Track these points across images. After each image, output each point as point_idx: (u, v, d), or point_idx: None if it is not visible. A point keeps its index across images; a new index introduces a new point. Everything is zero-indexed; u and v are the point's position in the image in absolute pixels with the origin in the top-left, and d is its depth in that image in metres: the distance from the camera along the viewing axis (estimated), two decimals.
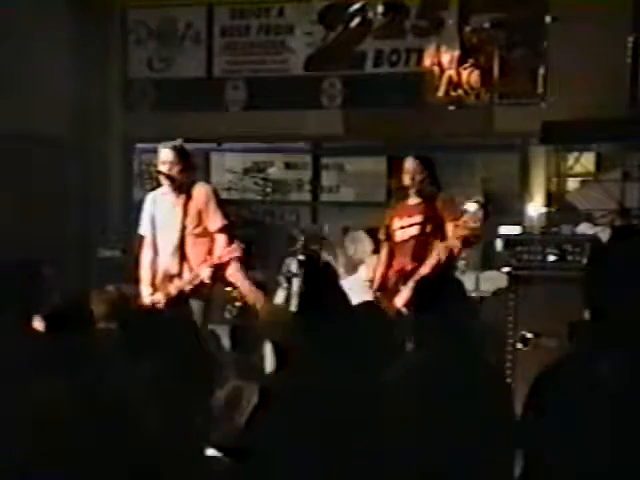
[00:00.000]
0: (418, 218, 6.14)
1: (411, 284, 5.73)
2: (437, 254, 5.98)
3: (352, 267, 7.86)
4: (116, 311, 4.83)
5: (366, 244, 7.84)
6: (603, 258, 3.38)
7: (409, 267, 6.08)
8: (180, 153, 6.07)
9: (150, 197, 6.34)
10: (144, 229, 6.29)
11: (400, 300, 5.93)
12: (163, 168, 6.06)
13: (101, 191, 10.16)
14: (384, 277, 6.27)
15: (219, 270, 5.95)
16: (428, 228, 6.10)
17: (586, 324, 3.40)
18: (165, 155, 6.07)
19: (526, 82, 8.69)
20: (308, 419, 3.56)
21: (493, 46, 8.35)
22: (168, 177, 6.05)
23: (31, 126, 9.00)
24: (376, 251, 7.39)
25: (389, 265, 6.29)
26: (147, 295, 6.05)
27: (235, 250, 5.87)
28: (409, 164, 6.26)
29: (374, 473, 3.52)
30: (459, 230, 5.96)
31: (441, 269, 5.93)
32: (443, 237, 6.07)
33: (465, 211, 5.98)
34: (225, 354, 7.61)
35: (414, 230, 6.14)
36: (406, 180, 6.28)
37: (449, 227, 6.04)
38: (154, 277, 6.10)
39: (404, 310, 5.63)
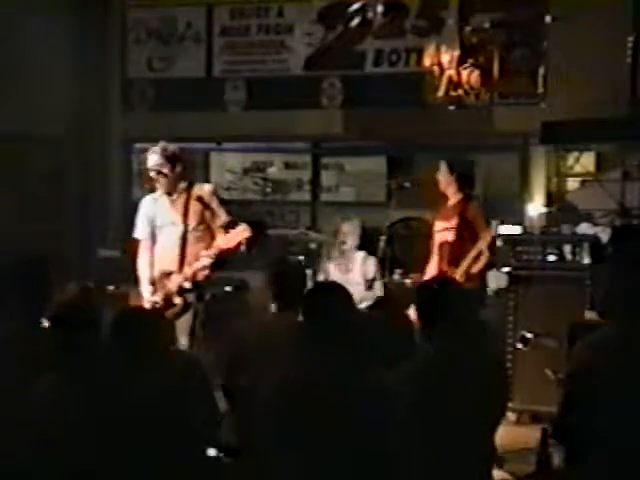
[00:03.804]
0: (453, 222, 6.41)
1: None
2: (467, 263, 6.29)
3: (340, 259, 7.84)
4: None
5: (353, 235, 7.85)
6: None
7: (448, 271, 6.31)
8: (166, 157, 6.07)
9: (148, 199, 6.34)
10: (140, 233, 6.29)
11: None
12: (152, 173, 6.11)
13: (101, 191, 10.15)
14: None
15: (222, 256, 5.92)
16: (462, 233, 6.37)
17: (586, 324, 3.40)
18: (151, 160, 6.10)
19: (526, 82, 8.69)
20: (306, 418, 3.56)
21: (493, 46, 8.35)
22: (158, 181, 6.09)
23: (31, 126, 8.99)
24: (362, 247, 7.55)
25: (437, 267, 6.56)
26: (148, 295, 6.05)
27: (245, 231, 5.78)
28: (440, 169, 6.65)
29: (377, 472, 3.52)
30: (485, 240, 6.31)
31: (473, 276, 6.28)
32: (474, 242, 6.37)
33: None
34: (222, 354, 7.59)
35: (450, 235, 6.41)
36: (440, 185, 6.65)
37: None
38: (153, 277, 6.10)
39: None
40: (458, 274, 6.26)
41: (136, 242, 6.31)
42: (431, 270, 6.60)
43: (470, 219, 6.45)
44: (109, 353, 4.04)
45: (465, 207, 6.53)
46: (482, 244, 6.32)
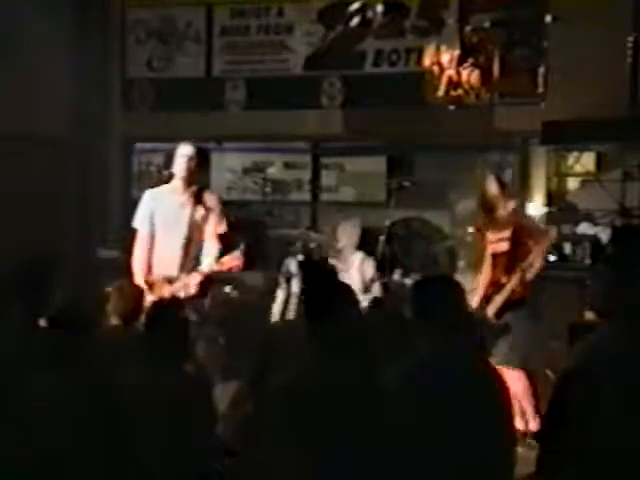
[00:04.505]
0: (507, 233, 6.46)
1: (505, 293, 6.32)
2: (521, 269, 6.33)
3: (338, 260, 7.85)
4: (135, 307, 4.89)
5: (350, 235, 7.85)
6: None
7: (504, 279, 6.42)
8: (198, 151, 6.26)
9: (149, 194, 6.36)
10: (139, 223, 6.31)
11: (492, 308, 6.36)
12: (181, 161, 6.16)
13: (101, 191, 10.15)
14: (487, 287, 6.56)
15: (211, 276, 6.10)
16: (516, 243, 6.42)
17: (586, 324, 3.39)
18: (186, 149, 6.20)
19: (526, 82, 8.68)
20: (307, 418, 3.55)
21: (493, 46, 8.34)
22: (185, 169, 6.14)
23: (31, 126, 8.99)
24: (361, 246, 7.59)
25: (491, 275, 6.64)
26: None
27: (237, 259, 6.00)
28: (489, 183, 6.65)
29: (374, 473, 3.52)
30: (542, 246, 6.38)
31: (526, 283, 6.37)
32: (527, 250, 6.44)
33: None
34: (222, 355, 7.60)
35: (505, 245, 6.46)
36: (489, 198, 6.65)
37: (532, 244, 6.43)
38: (147, 277, 6.11)
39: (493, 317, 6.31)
40: (514, 281, 6.33)
41: (133, 234, 6.32)
42: (485, 279, 6.64)
43: (524, 229, 6.48)
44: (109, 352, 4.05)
45: (518, 218, 6.58)
46: (539, 251, 6.37)
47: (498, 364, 6.20)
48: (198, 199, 6.17)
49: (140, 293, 5.46)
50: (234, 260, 6.00)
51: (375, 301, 6.45)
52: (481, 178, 6.79)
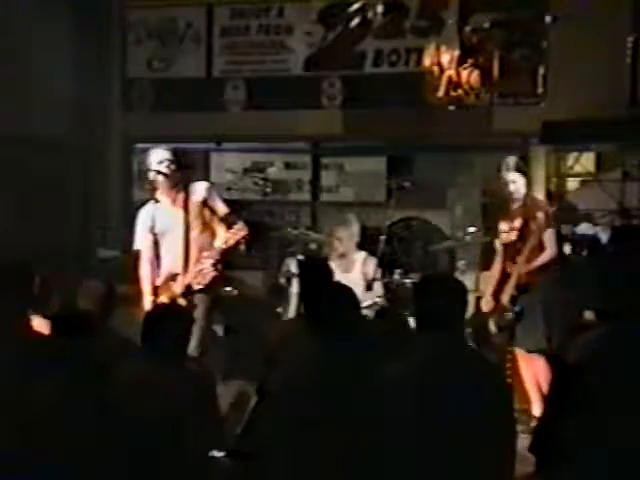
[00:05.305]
0: (517, 223, 6.58)
1: (512, 281, 6.47)
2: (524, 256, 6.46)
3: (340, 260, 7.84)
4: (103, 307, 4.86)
5: (351, 235, 7.84)
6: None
7: (509, 269, 6.56)
8: (174, 154, 6.18)
9: (145, 210, 6.33)
10: (140, 243, 6.29)
11: (505, 296, 6.52)
12: (159, 166, 6.10)
13: (101, 191, 10.15)
14: (500, 278, 6.68)
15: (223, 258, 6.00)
16: (526, 233, 6.51)
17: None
18: (161, 154, 6.14)
19: (526, 82, 8.69)
20: (307, 417, 3.56)
21: (493, 46, 8.34)
22: (164, 175, 6.08)
23: (31, 126, 8.99)
24: (362, 246, 7.60)
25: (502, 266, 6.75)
26: (150, 303, 6.05)
27: (241, 230, 5.86)
28: (508, 170, 6.72)
29: (374, 471, 3.52)
30: (540, 229, 6.44)
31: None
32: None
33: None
34: (222, 353, 7.61)
35: (513, 236, 6.58)
36: (506, 186, 6.73)
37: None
38: (155, 288, 6.11)
39: (508, 305, 6.47)
40: (517, 268, 6.44)
41: (137, 253, 6.32)
42: (497, 271, 6.72)
43: (533, 217, 6.53)
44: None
45: (533, 207, 6.61)
46: (543, 237, 6.43)
47: (519, 348, 6.32)
48: (187, 194, 6.14)
49: (107, 294, 5.35)
50: (239, 232, 5.83)
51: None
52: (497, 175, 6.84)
